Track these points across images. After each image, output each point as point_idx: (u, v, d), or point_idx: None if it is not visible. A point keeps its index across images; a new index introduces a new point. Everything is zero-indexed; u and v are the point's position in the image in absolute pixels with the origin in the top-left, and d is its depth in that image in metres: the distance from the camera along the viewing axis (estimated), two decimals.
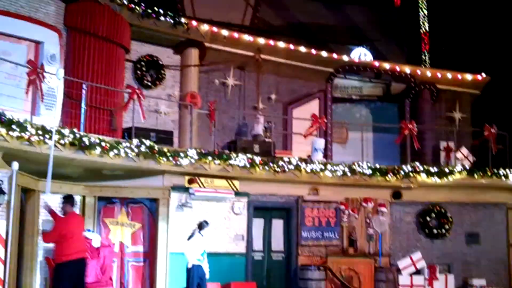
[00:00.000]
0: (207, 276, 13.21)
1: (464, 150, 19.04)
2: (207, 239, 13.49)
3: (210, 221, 14.01)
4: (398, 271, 16.43)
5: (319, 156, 17.24)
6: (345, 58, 19.61)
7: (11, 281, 11.38)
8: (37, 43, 13.38)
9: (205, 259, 13.15)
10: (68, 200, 10.07)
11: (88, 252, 12.86)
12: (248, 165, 15.44)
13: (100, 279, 13.29)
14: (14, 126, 11.11)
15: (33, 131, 11.52)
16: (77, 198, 14.27)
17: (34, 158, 11.96)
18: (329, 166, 16.60)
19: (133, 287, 14.74)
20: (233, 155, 15.35)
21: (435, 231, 17.72)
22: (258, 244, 16.49)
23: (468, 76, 21.01)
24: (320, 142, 17.61)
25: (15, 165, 11.34)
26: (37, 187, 13.19)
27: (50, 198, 10.30)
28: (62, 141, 12.14)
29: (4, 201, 11.18)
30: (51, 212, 10.62)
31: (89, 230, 13.78)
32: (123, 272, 14.68)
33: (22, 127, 11.28)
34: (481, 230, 18.12)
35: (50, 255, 13.40)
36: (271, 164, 15.76)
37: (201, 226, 13.21)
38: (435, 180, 17.53)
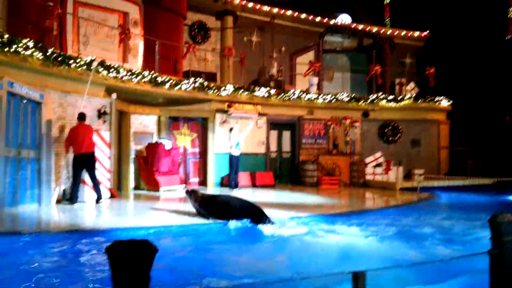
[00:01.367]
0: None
1: (411, 84, 18.73)
2: (238, 139, 13.81)
3: (241, 133, 14.19)
4: (365, 164, 16.56)
5: (313, 89, 17.11)
6: (332, 21, 19.08)
7: (115, 170, 11.73)
8: (124, 13, 13.16)
9: (239, 149, 13.73)
10: (79, 117, 9.99)
11: (158, 152, 13.09)
12: (266, 95, 15.42)
13: (171, 169, 13.59)
14: (111, 70, 11.13)
15: (124, 73, 11.54)
16: (155, 118, 14.47)
17: (125, 90, 12.02)
18: (320, 96, 16.51)
19: (192, 175, 15.07)
20: (257, 88, 15.31)
21: (390, 138, 17.73)
22: (273, 147, 16.59)
23: (415, 33, 20.44)
24: (315, 80, 17.45)
25: (114, 95, 11.45)
26: (128, 110, 13.31)
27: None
28: (143, 80, 12.16)
29: (107, 119, 11.35)
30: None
31: (164, 138, 14.01)
32: (186, 165, 14.98)
33: (117, 70, 11.30)
34: (421, 137, 18.06)
35: (139, 155, 13.71)
36: (281, 95, 15.72)
37: (231, 130, 13.69)
38: (391, 104, 17.41)
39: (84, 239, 6.47)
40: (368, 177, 16.35)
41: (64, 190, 10.05)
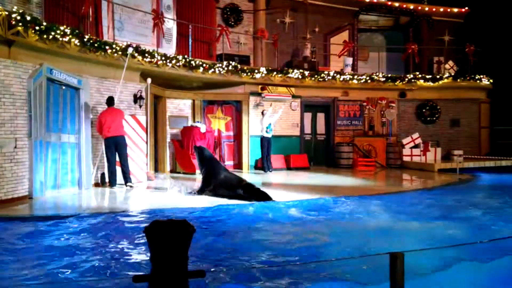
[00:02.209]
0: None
1: (450, 62, 18.13)
2: (270, 121, 13.77)
3: (274, 115, 14.14)
4: (402, 145, 16.23)
5: (348, 69, 16.79)
6: (367, 0, 18.64)
7: (151, 153, 11.89)
8: None
9: (271, 131, 13.78)
10: (108, 101, 10.03)
11: (193, 135, 13.14)
12: (300, 77, 15.25)
13: None
14: (146, 54, 11.21)
15: (159, 57, 11.61)
16: (189, 102, 14.55)
17: (160, 75, 12.12)
18: (355, 76, 16.20)
19: (227, 158, 15.13)
20: (290, 70, 15.16)
21: (428, 118, 17.27)
22: (307, 129, 16.47)
23: (454, 9, 19.70)
24: (349, 60, 17.10)
25: (149, 80, 11.56)
26: (163, 94, 13.44)
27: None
28: (177, 64, 12.21)
29: (143, 104, 11.48)
30: None
31: (198, 122, 14.09)
32: (220, 148, 15.05)
33: (151, 55, 11.38)
34: (460, 117, 17.51)
35: (174, 138, 13.85)
36: (315, 76, 15.51)
37: (263, 112, 13.83)
38: (429, 83, 16.92)
39: (122, 221, 6.60)
40: (405, 159, 16.02)
41: (102, 174, 10.28)
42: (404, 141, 16.29)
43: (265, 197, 8.05)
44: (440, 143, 16.96)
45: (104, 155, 10.02)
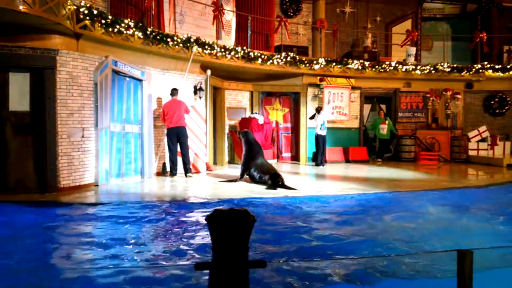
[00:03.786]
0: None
1: None
2: (324, 118, 13.53)
3: (334, 107, 13.90)
4: (468, 139, 15.48)
5: (411, 60, 16.19)
6: None
7: (210, 144, 12.04)
8: None
9: (325, 129, 13.54)
10: (172, 92, 10.18)
11: (251, 126, 13.15)
12: (360, 68, 14.87)
13: (264, 144, 13.66)
14: (206, 47, 11.32)
15: (218, 49, 11.69)
16: (247, 93, 14.60)
17: (219, 67, 12.20)
18: (418, 66, 15.58)
19: (285, 149, 15.06)
20: (350, 61, 14.82)
21: (497, 111, 16.34)
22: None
23: None
24: (412, 50, 16.44)
25: (208, 72, 11.68)
26: (222, 86, 13.53)
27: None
28: (236, 55, 12.25)
29: (203, 95, 11.63)
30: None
31: (256, 113, 14.11)
32: (278, 139, 15.01)
33: (211, 47, 11.47)
34: None
35: (233, 129, 13.96)
36: (376, 67, 15.07)
37: (317, 110, 13.60)
38: (499, 74, 15.98)
39: (184, 208, 6.72)
40: (471, 153, 15.26)
41: (163, 164, 10.53)
42: (470, 134, 15.53)
43: (288, 188, 8.42)
44: (509, 137, 16.02)
45: (166, 145, 10.28)
